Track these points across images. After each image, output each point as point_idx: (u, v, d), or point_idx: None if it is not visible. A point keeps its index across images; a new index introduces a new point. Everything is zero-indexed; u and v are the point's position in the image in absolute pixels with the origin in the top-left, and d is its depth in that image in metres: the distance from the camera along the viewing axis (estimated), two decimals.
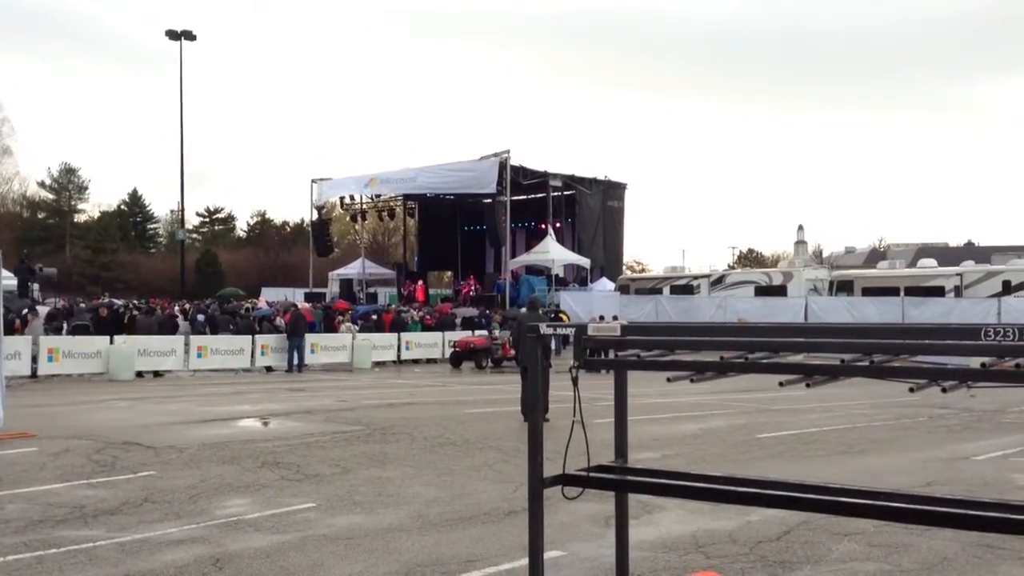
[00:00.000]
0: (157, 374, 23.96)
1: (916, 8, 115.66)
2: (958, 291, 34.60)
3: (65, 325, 25.68)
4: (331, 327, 30.40)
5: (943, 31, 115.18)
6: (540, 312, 17.47)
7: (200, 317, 28.73)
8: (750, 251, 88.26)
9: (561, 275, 44.05)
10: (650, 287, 45.08)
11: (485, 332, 29.98)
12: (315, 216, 51.37)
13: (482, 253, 50.06)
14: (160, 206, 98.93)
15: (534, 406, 4.78)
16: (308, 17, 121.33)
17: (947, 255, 43.68)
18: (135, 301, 39.21)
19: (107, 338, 23.26)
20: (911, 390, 3.90)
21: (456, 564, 6.47)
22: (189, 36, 46.64)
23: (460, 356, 28.26)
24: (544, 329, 4.80)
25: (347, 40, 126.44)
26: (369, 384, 22.54)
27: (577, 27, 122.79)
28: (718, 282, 43.23)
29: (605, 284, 44.22)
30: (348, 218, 59.00)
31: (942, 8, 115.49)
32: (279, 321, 28.00)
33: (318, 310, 33.14)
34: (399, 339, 30.15)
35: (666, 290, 43.43)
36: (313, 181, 49.80)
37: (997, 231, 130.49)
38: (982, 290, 34.09)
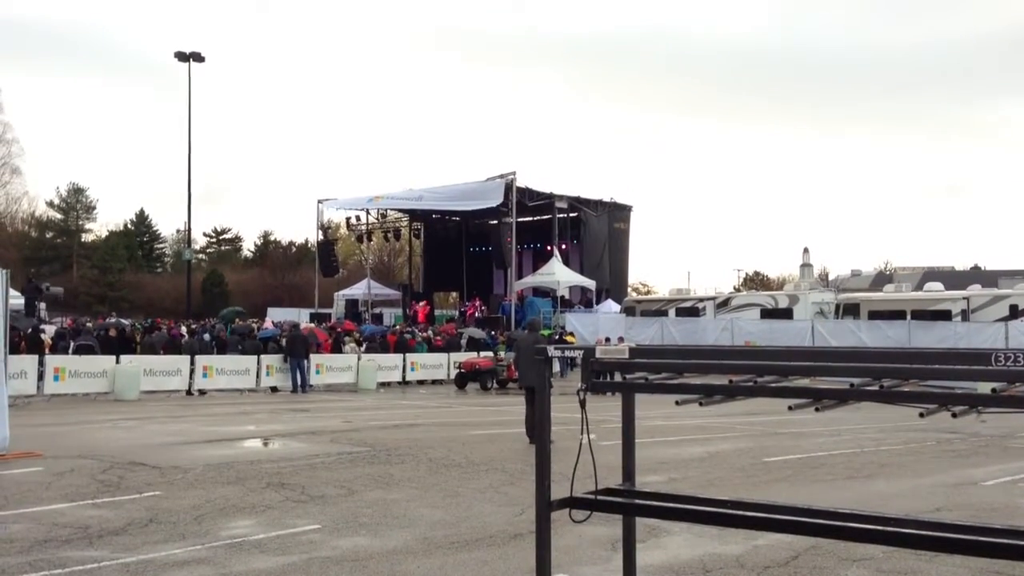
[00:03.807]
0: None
1: (923, 32, 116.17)
2: (965, 315, 34.50)
3: (72, 344, 25.71)
4: (335, 347, 30.36)
5: (951, 55, 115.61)
6: (540, 334, 17.47)
7: (206, 336, 28.75)
8: (756, 274, 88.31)
9: (567, 297, 44.08)
10: (656, 309, 45.10)
11: (490, 353, 29.95)
12: (321, 237, 51.50)
13: (488, 274, 50.14)
14: (167, 226, 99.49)
15: (542, 428, 4.77)
16: (316, 37, 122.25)
17: (954, 279, 43.58)
18: (141, 321, 39.29)
19: (112, 358, 23.28)
20: (921, 415, 3.89)
21: None
22: (198, 58, 46.95)
23: (465, 377, 28.24)
24: (552, 351, 4.80)
25: (353, 61, 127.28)
26: (374, 405, 22.50)
27: (583, 48, 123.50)
28: (724, 304, 43.24)
29: (611, 306, 44.22)
30: (354, 239, 59.17)
31: (946, 33, 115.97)
32: (285, 342, 28.00)
33: (323, 328, 33.14)
34: (404, 360, 30.13)
35: (672, 312, 43.43)
36: (319, 202, 49.99)
37: (1004, 255, 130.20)
38: (989, 314, 34.00)
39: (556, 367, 18.54)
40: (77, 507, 8.94)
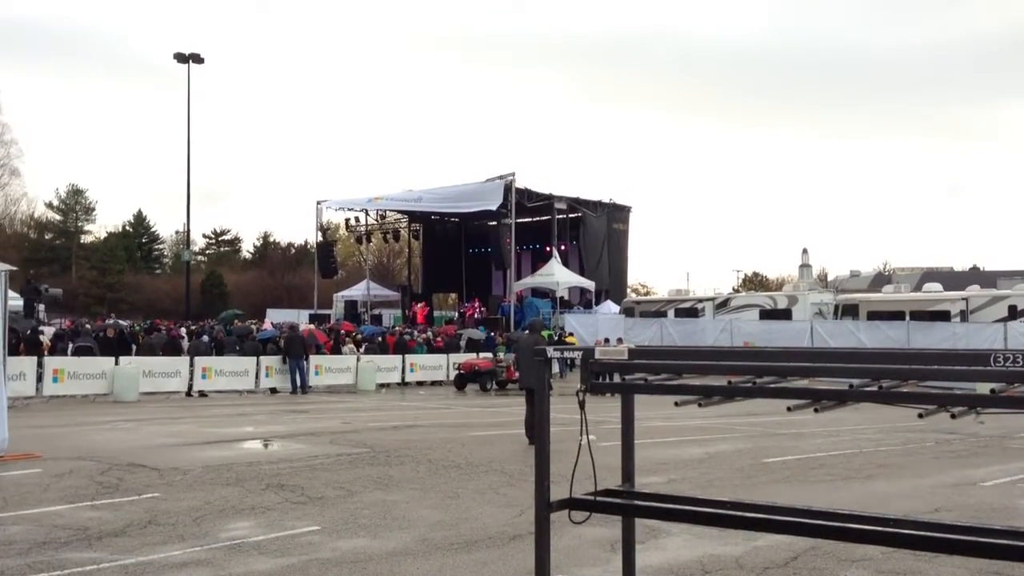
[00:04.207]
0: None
1: (923, 32, 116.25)
2: (964, 316, 34.52)
3: (71, 345, 25.68)
4: (336, 349, 30.33)
5: (950, 55, 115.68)
6: (541, 335, 17.45)
7: (205, 338, 28.73)
8: (755, 274, 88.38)
9: (566, 297, 44.06)
10: (655, 310, 45.09)
11: (490, 355, 29.95)
12: (320, 238, 51.46)
13: (487, 275, 50.13)
14: (166, 227, 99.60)
15: (542, 429, 4.77)
16: (315, 38, 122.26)
17: (952, 279, 43.61)
18: (140, 323, 39.28)
19: (111, 359, 23.26)
20: (920, 416, 3.90)
21: None
22: (197, 59, 46.96)
23: (465, 378, 28.22)
24: (551, 352, 4.80)
25: (353, 62, 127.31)
26: (373, 406, 22.49)
27: (583, 48, 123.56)
28: (723, 305, 43.23)
29: (610, 307, 44.24)
30: (353, 240, 59.14)
31: (946, 34, 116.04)
32: (283, 343, 27.96)
33: (322, 330, 33.10)
34: (403, 361, 30.12)
35: (671, 313, 43.43)
36: (318, 203, 49.98)
37: (1003, 255, 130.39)
38: (988, 315, 34.02)
39: (555, 368, 18.62)
40: (76, 509, 8.93)
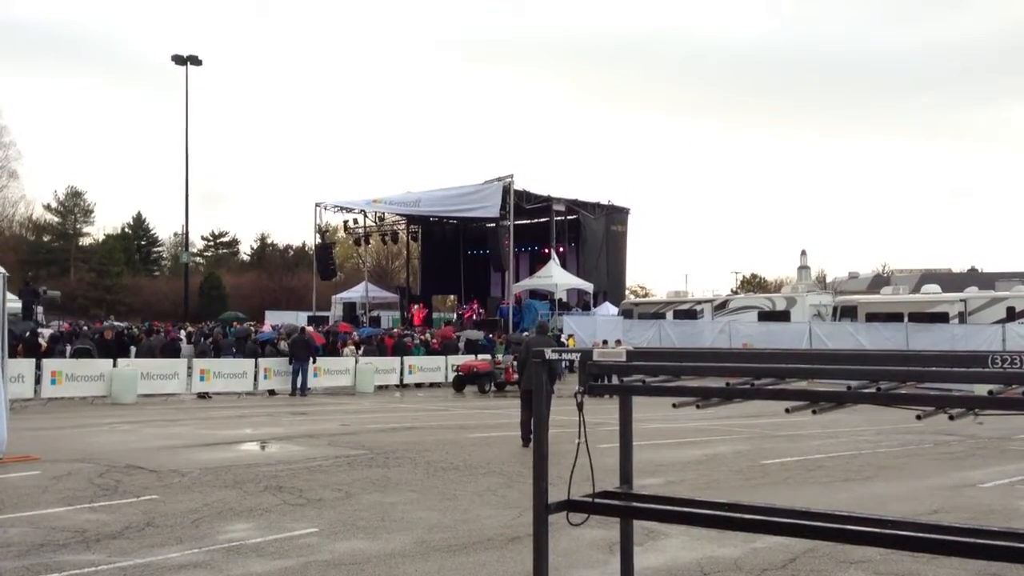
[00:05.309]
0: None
1: (923, 35, 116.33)
2: (962, 317, 34.52)
3: (68, 348, 25.66)
4: (333, 351, 30.32)
5: (949, 57, 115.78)
6: (548, 336, 17.43)
7: (209, 340, 28.71)
8: (753, 276, 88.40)
9: (564, 299, 44.04)
10: (653, 312, 45.06)
11: (488, 356, 29.93)
12: (318, 240, 51.47)
13: (486, 277, 50.14)
14: (164, 229, 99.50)
15: (540, 431, 4.76)
16: (314, 39, 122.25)
17: (951, 281, 43.65)
18: (139, 324, 39.25)
19: (110, 361, 23.23)
20: (918, 417, 3.90)
21: None
22: (195, 61, 46.94)
23: (463, 380, 28.19)
24: (550, 354, 4.80)
25: (352, 63, 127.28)
26: (372, 408, 22.47)
27: (583, 50, 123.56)
28: (721, 307, 43.21)
29: (608, 309, 44.21)
30: (351, 242, 59.10)
31: (947, 35, 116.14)
32: (283, 345, 27.94)
33: (320, 332, 33.09)
34: (402, 363, 30.10)
35: (669, 315, 43.40)
36: (316, 205, 49.95)
37: (1001, 257, 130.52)
38: (986, 316, 34.01)
39: None
40: (74, 511, 8.92)
